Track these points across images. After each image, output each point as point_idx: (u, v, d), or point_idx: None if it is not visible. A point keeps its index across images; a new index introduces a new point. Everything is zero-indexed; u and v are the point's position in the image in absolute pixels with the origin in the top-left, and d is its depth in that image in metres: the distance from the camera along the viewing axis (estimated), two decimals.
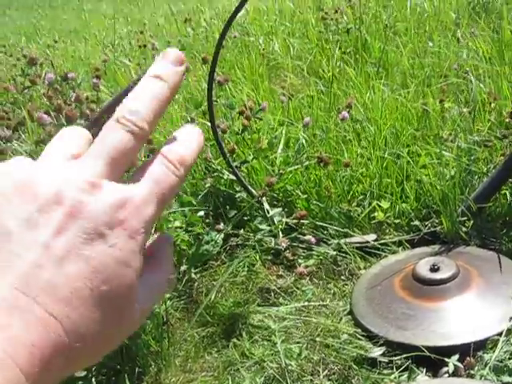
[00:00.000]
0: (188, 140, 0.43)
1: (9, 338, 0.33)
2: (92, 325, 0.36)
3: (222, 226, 2.51)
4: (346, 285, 2.29)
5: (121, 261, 0.38)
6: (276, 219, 2.32)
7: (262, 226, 2.43)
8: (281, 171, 2.43)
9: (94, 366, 1.90)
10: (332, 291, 2.26)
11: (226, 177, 2.59)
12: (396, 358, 1.85)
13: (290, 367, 1.85)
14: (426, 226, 2.43)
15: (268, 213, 2.29)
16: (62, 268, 0.36)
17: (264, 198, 2.37)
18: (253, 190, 2.44)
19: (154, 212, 0.40)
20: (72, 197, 0.37)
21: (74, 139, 0.42)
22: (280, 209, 2.34)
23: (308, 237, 2.23)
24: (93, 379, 1.80)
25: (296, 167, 2.52)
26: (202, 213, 2.45)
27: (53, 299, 0.35)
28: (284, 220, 2.40)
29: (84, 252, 0.37)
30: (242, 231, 2.50)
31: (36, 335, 0.34)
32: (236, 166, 2.56)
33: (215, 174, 2.55)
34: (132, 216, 0.39)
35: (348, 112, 2.56)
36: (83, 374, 1.81)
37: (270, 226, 2.30)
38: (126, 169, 0.42)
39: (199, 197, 2.53)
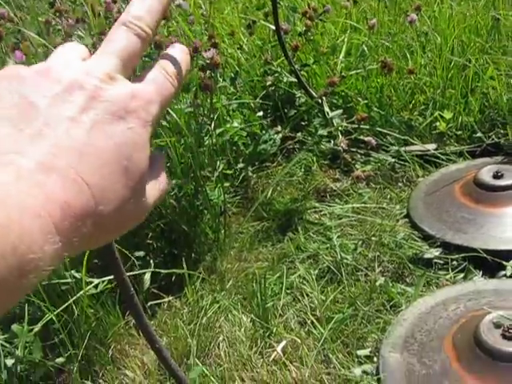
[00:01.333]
0: (179, 57, 0.47)
1: (45, 193, 0.36)
2: (115, 196, 0.40)
3: (279, 127, 2.49)
4: (404, 191, 2.26)
5: (138, 143, 0.41)
6: (335, 121, 2.28)
7: (320, 131, 2.40)
8: (343, 74, 2.37)
9: (152, 248, 1.95)
10: (389, 196, 2.23)
11: (285, 79, 2.54)
12: (452, 258, 1.84)
13: (345, 261, 1.86)
14: (489, 137, 2.36)
15: (328, 115, 2.26)
16: (90, 140, 0.39)
17: (324, 100, 2.33)
18: (312, 92, 2.40)
19: (157, 111, 0.43)
20: (93, 84, 0.41)
21: (78, 48, 0.45)
22: (340, 110, 2.30)
23: (368, 138, 2.19)
24: (151, 261, 1.84)
25: (358, 71, 2.46)
26: (260, 113, 2.43)
27: (84, 166, 0.38)
28: (344, 124, 2.36)
29: (108, 128, 0.40)
30: (299, 134, 2.48)
31: (70, 194, 0.37)
32: (296, 69, 2.51)
33: (275, 75, 2.51)
34: (142, 108, 0.42)
35: (417, 15, 2.46)
36: (142, 254, 1.86)
37: (328, 130, 2.26)
38: (132, 72, 0.45)
39: (258, 98, 2.51)
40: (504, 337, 1.40)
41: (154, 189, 0.45)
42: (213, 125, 1.98)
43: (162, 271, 1.76)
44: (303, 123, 2.56)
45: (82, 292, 1.59)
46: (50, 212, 0.36)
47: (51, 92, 0.40)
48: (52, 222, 0.36)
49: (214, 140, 2.00)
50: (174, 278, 1.86)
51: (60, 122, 0.39)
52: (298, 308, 1.76)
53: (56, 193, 0.36)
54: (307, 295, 1.79)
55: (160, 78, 0.45)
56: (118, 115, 0.41)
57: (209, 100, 1.81)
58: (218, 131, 1.95)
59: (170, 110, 1.86)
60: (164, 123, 1.86)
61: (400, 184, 2.31)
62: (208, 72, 1.74)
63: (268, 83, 2.42)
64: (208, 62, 1.70)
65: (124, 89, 0.42)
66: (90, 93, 0.41)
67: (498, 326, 1.43)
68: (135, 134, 0.41)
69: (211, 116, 1.86)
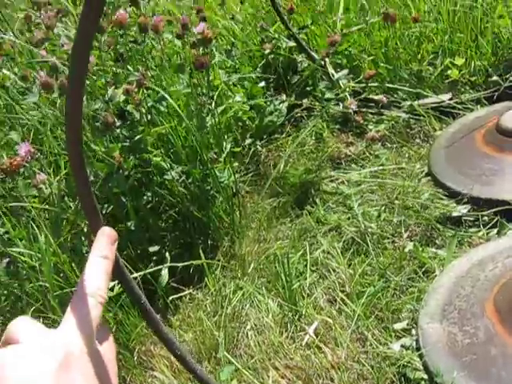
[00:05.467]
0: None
1: None
2: None
3: (284, 96, 2.37)
4: (422, 147, 2.14)
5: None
6: (342, 82, 2.16)
7: (327, 94, 2.28)
8: (344, 31, 2.24)
9: (167, 240, 1.86)
10: (407, 155, 2.12)
11: (284, 45, 2.42)
12: (483, 214, 1.73)
13: (369, 229, 1.76)
14: (506, 79, 2.23)
15: (333, 76, 2.13)
16: None
17: (327, 61, 2.20)
18: (314, 54, 2.28)
19: None
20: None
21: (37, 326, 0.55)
22: (346, 70, 2.18)
23: (379, 96, 2.08)
24: (166, 254, 1.76)
25: (360, 27, 2.32)
26: (262, 83, 2.32)
27: None
28: (351, 84, 2.24)
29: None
30: (306, 101, 2.36)
31: None
32: (295, 32, 2.38)
33: (273, 42, 2.38)
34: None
35: None
36: (156, 248, 1.77)
37: (335, 92, 2.15)
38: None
39: (258, 67, 2.39)
40: None
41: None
42: (213, 103, 1.87)
43: (179, 265, 1.68)
44: (309, 89, 2.44)
45: None
46: None
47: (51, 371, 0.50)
48: None
49: (217, 119, 1.89)
50: (192, 268, 1.78)
51: None
52: (326, 285, 1.67)
53: None
54: (334, 270, 1.70)
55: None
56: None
57: (206, 78, 1.70)
58: (219, 109, 1.84)
59: (166, 95, 1.75)
60: (162, 109, 1.76)
61: (417, 140, 2.19)
62: (201, 48, 1.63)
63: (267, 51, 2.30)
64: (199, 37, 1.59)
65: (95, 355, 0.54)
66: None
67: None
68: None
69: (210, 94, 1.75)
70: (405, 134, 2.21)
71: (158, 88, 1.78)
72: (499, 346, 1.31)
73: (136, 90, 1.52)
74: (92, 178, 1.60)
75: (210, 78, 1.92)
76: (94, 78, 1.70)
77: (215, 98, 1.94)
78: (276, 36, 2.41)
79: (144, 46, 1.64)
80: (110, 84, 1.64)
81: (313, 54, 2.29)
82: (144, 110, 1.59)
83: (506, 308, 1.36)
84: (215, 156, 1.88)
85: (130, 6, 1.88)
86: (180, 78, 1.80)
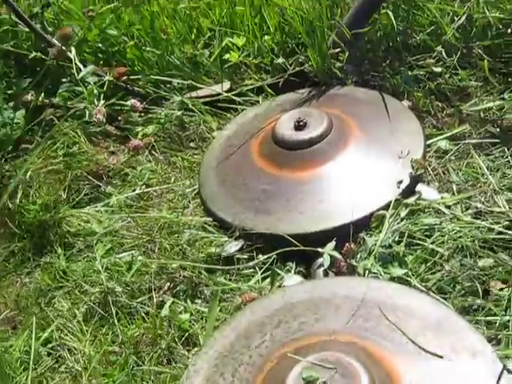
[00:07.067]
0: None
1: None
2: None
3: (29, 96, 1.89)
4: (196, 154, 1.78)
5: None
6: (91, 80, 1.72)
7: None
8: (90, 13, 1.79)
9: None
10: (177, 166, 1.74)
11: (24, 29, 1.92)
12: (258, 253, 1.41)
13: (116, 289, 1.37)
14: (291, 64, 1.90)
15: (77, 73, 1.69)
16: None
17: (73, 53, 1.75)
18: (56, 42, 1.80)
19: None
20: None
21: None
22: (92, 66, 1.73)
23: (131, 101, 1.67)
24: None
25: (113, 5, 1.88)
26: None
27: None
28: (106, 79, 1.81)
29: None
30: (57, 99, 1.89)
31: None
32: (36, 13, 1.89)
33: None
34: None
35: None
36: None
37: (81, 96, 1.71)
38: None
39: None
40: None
41: None
42: None
43: None
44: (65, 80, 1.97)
45: None
46: None
47: None
48: None
49: None
50: None
51: None
52: (60, 377, 1.28)
53: None
54: (72, 352, 1.31)
55: None
56: None
57: None
58: None
59: None
60: None
61: (192, 144, 1.82)
62: None
63: None
64: None
65: None
66: None
67: (308, 382, 1.03)
68: None
69: None
70: (176, 137, 1.83)
71: None
72: None
73: None
74: None
75: None
76: None
77: None
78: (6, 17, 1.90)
79: None
80: None
81: (54, 41, 1.82)
82: None
83: None
84: None
85: None
86: None
